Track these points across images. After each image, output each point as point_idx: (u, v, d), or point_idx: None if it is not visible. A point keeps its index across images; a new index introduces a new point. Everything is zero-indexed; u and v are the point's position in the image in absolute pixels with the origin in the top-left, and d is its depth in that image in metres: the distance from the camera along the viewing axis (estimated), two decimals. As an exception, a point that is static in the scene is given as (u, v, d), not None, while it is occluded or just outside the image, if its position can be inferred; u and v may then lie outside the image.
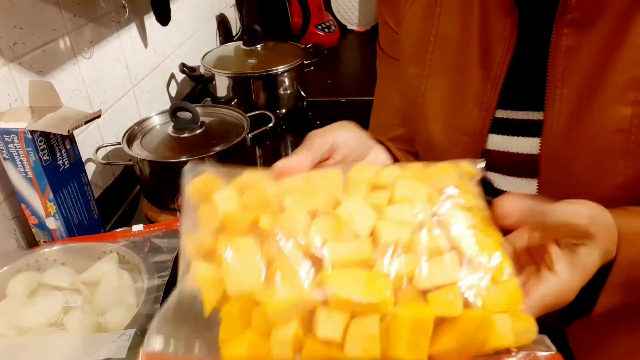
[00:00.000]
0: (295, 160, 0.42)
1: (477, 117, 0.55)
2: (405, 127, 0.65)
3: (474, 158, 0.44)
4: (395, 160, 0.54)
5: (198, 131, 0.93)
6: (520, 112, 0.54)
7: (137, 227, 0.74)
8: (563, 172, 0.51)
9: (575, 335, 0.55)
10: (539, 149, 0.52)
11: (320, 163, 0.45)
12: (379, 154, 0.52)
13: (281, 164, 0.41)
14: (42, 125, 0.68)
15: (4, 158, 0.70)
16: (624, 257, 0.41)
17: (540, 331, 0.36)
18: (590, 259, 0.38)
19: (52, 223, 0.75)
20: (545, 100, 0.50)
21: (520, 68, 0.53)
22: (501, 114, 0.54)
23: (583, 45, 0.47)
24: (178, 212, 0.77)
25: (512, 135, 0.55)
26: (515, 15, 0.51)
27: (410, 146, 0.64)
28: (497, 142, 0.55)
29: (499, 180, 0.57)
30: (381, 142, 0.53)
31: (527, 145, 0.54)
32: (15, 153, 0.69)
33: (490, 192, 0.56)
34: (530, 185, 0.54)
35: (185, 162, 0.87)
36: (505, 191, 0.56)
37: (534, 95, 0.52)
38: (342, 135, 0.47)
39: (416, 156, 0.65)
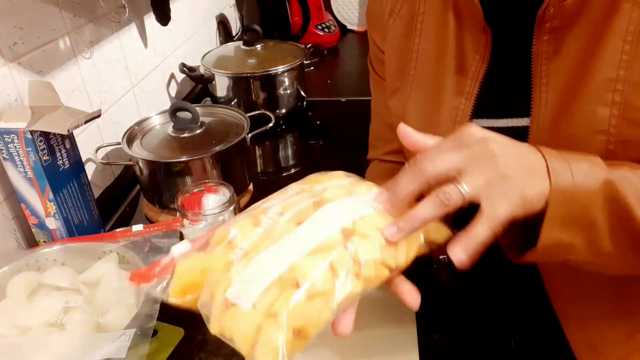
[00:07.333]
0: None
1: (452, 132, 0.55)
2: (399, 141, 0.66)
3: None
4: None
5: (198, 131, 0.93)
6: (504, 120, 0.55)
7: (137, 227, 0.74)
8: None
9: (575, 339, 0.55)
10: None
11: None
12: None
13: None
14: (42, 125, 0.68)
15: (4, 158, 0.70)
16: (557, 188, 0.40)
17: (520, 295, 0.35)
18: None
19: (52, 223, 0.75)
20: (531, 105, 0.52)
21: (499, 78, 0.54)
22: (485, 123, 0.55)
23: (563, 50, 0.49)
24: (178, 212, 0.77)
25: None
26: (489, 33, 0.52)
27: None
28: None
29: None
30: None
31: None
32: (15, 153, 0.69)
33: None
34: None
35: (185, 162, 0.88)
36: None
37: (516, 103, 0.53)
38: None
39: None
